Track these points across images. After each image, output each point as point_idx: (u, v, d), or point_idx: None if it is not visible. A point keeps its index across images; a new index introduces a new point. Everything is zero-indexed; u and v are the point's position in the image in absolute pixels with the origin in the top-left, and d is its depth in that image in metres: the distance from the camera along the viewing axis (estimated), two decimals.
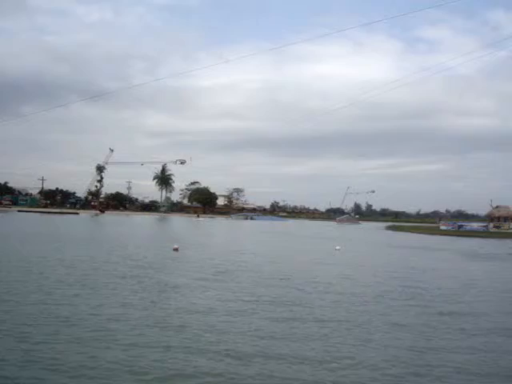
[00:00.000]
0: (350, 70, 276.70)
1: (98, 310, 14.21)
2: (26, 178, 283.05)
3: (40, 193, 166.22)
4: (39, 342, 10.70)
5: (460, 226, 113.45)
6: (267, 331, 12.70)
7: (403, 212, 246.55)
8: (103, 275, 21.00)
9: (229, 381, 9.14)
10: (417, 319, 15.07)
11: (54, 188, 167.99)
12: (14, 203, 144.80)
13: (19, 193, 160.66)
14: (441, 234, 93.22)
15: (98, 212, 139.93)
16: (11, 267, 21.85)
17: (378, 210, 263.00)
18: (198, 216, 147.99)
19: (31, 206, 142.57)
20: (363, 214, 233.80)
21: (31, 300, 15.14)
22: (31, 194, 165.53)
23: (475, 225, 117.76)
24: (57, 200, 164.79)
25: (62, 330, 11.75)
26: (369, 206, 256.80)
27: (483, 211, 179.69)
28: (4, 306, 14.14)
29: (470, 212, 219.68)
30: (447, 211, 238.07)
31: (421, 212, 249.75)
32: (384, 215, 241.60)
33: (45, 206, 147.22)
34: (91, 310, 14.12)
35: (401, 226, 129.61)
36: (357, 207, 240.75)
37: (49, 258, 25.79)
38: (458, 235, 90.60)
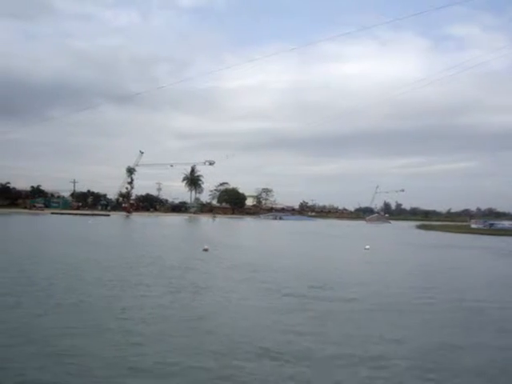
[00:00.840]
0: (377, 69, 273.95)
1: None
2: (58, 180, 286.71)
3: (72, 195, 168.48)
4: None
5: (491, 225, 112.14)
6: (306, 330, 13.02)
7: (433, 211, 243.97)
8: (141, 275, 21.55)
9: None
10: None
11: (85, 190, 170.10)
12: (47, 206, 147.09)
13: (51, 195, 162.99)
14: (472, 233, 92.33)
15: (127, 213, 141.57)
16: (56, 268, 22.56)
17: (408, 209, 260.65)
18: (214, 217, 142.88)
19: (64, 209, 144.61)
20: (393, 213, 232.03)
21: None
22: (63, 197, 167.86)
23: (507, 223, 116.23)
24: (88, 202, 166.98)
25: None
26: (398, 205, 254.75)
27: None
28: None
29: (501, 210, 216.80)
30: (478, 209, 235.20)
31: (451, 211, 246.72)
32: (414, 214, 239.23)
33: (77, 208, 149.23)
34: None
35: (431, 225, 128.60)
36: (386, 206, 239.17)
37: (91, 260, 26.52)
38: (490, 234, 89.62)
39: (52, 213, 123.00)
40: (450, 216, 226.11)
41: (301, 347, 11.28)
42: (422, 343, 12.10)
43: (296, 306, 16.06)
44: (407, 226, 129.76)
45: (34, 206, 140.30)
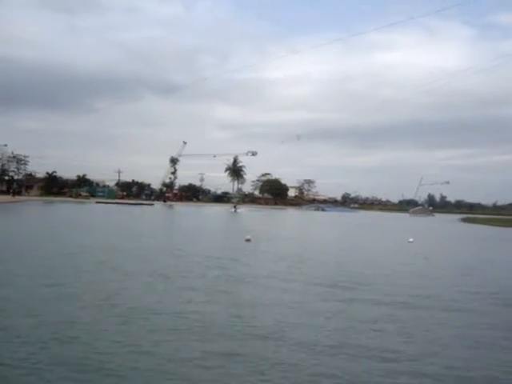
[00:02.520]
0: (421, 58, 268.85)
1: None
2: (103, 170, 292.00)
3: (117, 184, 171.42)
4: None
5: None
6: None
7: (479, 204, 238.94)
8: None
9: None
10: None
11: (129, 180, 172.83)
12: (92, 195, 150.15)
13: (97, 185, 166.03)
14: None
15: (170, 203, 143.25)
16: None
17: (453, 201, 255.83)
18: (236, 207, 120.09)
19: (108, 198, 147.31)
20: (437, 205, 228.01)
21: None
22: (108, 186, 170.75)
23: None
24: (133, 191, 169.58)
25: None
26: (443, 198, 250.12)
27: None
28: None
29: None
30: None
31: (497, 204, 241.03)
32: (458, 207, 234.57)
33: (121, 198, 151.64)
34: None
35: (476, 218, 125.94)
36: (430, 199, 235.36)
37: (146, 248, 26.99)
38: None
39: (97, 202, 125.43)
40: (496, 209, 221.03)
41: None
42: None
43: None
44: (451, 219, 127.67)
45: (80, 195, 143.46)
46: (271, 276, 19.87)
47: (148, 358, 9.31)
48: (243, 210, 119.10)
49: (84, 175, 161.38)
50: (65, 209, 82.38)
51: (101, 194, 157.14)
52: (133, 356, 9.42)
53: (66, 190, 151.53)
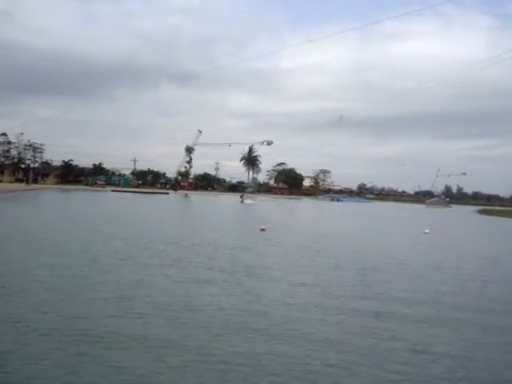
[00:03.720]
0: (440, 48, 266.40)
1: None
2: (119, 159, 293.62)
3: (132, 173, 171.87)
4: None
5: None
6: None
7: (496, 195, 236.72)
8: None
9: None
10: None
11: (145, 169, 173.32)
12: (108, 183, 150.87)
13: (112, 173, 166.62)
14: None
15: (183, 192, 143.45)
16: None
17: (470, 193, 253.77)
18: (243, 197, 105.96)
19: (124, 186, 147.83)
20: (454, 197, 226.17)
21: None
22: (124, 175, 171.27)
23: None
24: (148, 180, 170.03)
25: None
26: (460, 189, 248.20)
27: None
28: None
29: None
30: None
31: None
32: (475, 199, 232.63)
33: (137, 186, 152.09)
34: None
35: (493, 210, 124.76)
36: (447, 190, 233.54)
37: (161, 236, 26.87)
38: None
39: (112, 190, 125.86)
40: None
41: None
42: None
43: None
44: (468, 211, 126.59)
45: (96, 183, 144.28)
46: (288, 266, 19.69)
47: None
48: (252, 200, 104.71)
49: (100, 164, 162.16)
50: (80, 197, 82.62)
51: (116, 182, 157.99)
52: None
53: (82, 178, 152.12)
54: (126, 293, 13.36)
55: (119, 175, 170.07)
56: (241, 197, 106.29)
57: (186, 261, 19.38)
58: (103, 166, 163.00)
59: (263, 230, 34.30)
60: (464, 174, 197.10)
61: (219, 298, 13.58)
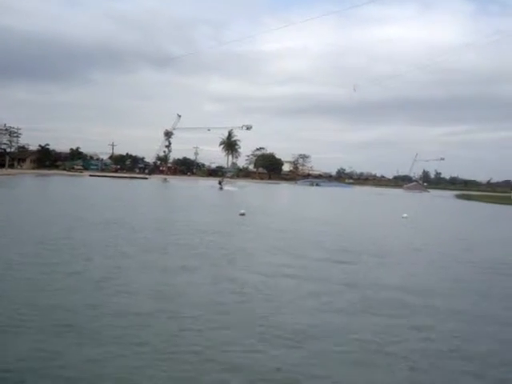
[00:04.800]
0: (418, 33, 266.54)
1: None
2: (97, 143, 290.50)
3: (110, 158, 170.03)
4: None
5: None
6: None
7: (473, 181, 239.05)
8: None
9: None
10: None
11: (123, 153, 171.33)
12: (86, 168, 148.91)
13: (90, 158, 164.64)
14: None
15: (155, 176, 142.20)
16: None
17: (448, 178, 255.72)
18: (221, 183, 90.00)
19: (102, 171, 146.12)
20: (431, 181, 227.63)
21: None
22: (102, 159, 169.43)
23: None
24: (126, 165, 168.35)
25: None
26: (438, 174, 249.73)
27: None
28: None
29: None
30: None
31: (492, 181, 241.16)
32: (453, 184, 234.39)
33: (115, 171, 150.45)
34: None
35: (471, 195, 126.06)
36: (425, 175, 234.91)
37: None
38: None
39: (90, 175, 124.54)
40: (490, 186, 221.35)
41: None
42: None
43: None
44: (446, 196, 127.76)
45: (73, 168, 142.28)
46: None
47: None
48: (232, 187, 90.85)
49: (77, 148, 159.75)
50: (57, 182, 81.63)
51: (94, 167, 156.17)
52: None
53: (59, 163, 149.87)
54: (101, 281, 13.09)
55: (97, 160, 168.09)
56: (219, 183, 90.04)
57: (162, 247, 19.15)
58: (81, 150, 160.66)
59: (243, 214, 34.18)
60: (442, 159, 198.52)
61: (196, 282, 13.44)
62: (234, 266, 16.22)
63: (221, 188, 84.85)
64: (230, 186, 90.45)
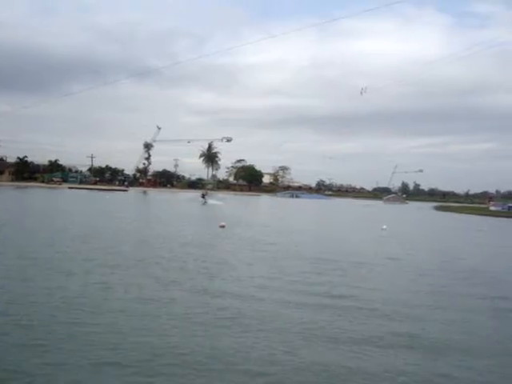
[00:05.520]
0: (398, 46, 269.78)
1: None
2: (76, 155, 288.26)
3: (89, 170, 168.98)
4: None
5: (510, 207, 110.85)
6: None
7: (452, 192, 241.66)
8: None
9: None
10: None
11: (103, 165, 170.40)
12: (64, 180, 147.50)
13: (69, 170, 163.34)
14: (491, 215, 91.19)
15: (144, 189, 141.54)
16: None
17: (426, 189, 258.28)
18: (204, 196, 79.72)
19: (81, 183, 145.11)
20: (411, 193, 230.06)
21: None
22: (81, 172, 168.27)
23: None
24: (106, 177, 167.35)
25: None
26: (416, 186, 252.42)
27: None
28: None
29: None
30: (497, 192, 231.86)
31: (470, 192, 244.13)
32: (432, 195, 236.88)
33: (94, 183, 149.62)
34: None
35: (449, 207, 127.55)
36: (404, 187, 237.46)
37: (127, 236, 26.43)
38: (509, 216, 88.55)
39: (69, 187, 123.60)
40: (468, 198, 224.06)
41: None
42: None
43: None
44: (425, 207, 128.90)
45: (52, 181, 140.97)
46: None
47: None
48: (217, 200, 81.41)
49: (56, 160, 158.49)
50: (34, 195, 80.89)
51: (73, 179, 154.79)
52: None
53: (37, 175, 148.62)
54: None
55: (76, 172, 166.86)
56: (202, 196, 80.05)
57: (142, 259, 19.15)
58: (60, 162, 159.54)
59: (222, 226, 34.24)
60: (421, 170, 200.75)
61: (173, 289, 13.50)
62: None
63: (204, 202, 75.74)
64: (215, 200, 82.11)
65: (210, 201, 78.12)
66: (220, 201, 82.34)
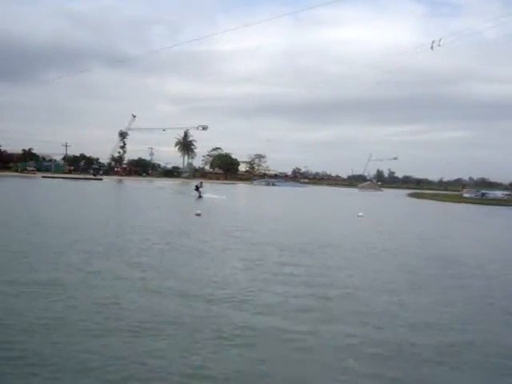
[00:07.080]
0: (372, 35, 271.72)
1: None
2: (50, 144, 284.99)
3: (64, 159, 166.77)
4: None
5: (483, 194, 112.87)
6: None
7: (426, 179, 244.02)
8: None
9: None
10: None
11: (77, 154, 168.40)
12: (39, 169, 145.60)
13: (43, 159, 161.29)
14: (464, 202, 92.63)
15: (119, 177, 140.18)
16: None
17: (401, 177, 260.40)
18: (199, 188, 60.52)
19: (56, 172, 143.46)
20: (385, 181, 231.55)
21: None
22: (55, 160, 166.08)
23: (499, 193, 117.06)
24: (80, 166, 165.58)
25: None
26: (391, 174, 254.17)
27: (508, 180, 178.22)
28: None
29: (493, 180, 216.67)
30: (470, 179, 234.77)
31: (443, 180, 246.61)
32: (406, 182, 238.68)
33: (69, 172, 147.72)
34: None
35: (423, 194, 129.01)
36: (379, 174, 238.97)
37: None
38: (481, 203, 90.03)
39: (43, 176, 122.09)
40: (442, 185, 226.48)
41: None
42: None
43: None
44: (399, 194, 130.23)
45: (26, 170, 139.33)
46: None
47: None
48: (214, 194, 62.15)
49: (30, 149, 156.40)
50: (9, 183, 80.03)
51: (47, 168, 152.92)
52: None
53: (11, 164, 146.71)
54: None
55: (50, 161, 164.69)
56: (196, 188, 61.35)
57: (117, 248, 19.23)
58: (34, 151, 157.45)
59: (198, 214, 34.41)
60: (395, 158, 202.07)
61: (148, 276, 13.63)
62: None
63: (199, 196, 59.29)
64: (213, 193, 63.55)
65: (207, 194, 61.50)
66: (219, 194, 63.95)
